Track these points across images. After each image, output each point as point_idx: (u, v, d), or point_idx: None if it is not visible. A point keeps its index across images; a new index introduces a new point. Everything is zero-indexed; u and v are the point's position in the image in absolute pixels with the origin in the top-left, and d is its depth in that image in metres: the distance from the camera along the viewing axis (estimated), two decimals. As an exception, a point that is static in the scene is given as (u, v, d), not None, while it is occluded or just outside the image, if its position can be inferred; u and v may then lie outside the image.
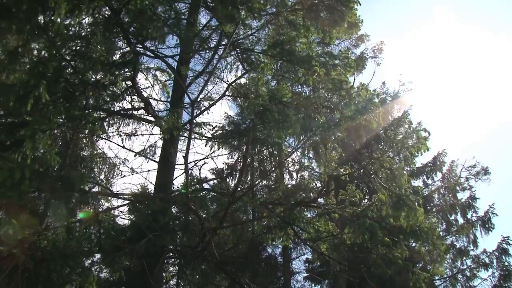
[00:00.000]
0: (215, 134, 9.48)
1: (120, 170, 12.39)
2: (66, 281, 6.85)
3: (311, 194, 9.39)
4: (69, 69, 8.40)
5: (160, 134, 9.33)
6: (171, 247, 7.85)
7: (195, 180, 9.81)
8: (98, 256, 8.54)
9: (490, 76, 38.98)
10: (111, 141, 10.46)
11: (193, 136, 9.37)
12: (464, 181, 18.59)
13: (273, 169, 11.32)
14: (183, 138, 9.70)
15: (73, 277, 6.94)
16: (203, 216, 7.89)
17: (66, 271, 6.83)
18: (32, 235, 6.81)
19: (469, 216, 17.86)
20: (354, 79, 9.73)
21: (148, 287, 9.17)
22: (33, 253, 6.58)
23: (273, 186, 12.02)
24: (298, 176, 12.06)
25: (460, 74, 37.89)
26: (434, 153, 19.10)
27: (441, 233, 17.24)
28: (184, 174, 7.95)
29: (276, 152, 10.26)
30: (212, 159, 10.33)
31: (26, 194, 7.13)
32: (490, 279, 16.24)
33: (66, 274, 6.70)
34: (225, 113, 15.31)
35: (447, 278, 17.11)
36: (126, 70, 8.67)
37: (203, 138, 9.61)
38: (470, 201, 18.00)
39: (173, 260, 11.53)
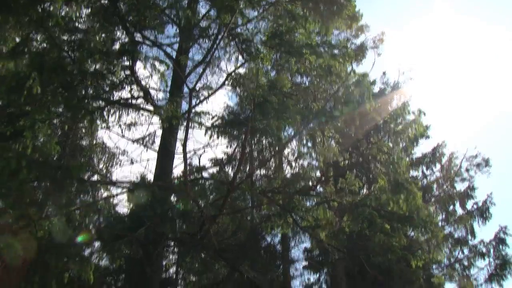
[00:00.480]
0: (214, 124, 9.51)
1: (119, 160, 12.48)
2: (64, 270, 6.91)
3: (310, 183, 9.45)
4: (68, 59, 8.43)
5: (160, 123, 9.37)
6: (171, 235, 7.91)
7: (194, 169, 9.86)
8: (97, 244, 8.64)
9: (490, 67, 38.90)
10: (110, 131, 10.52)
11: (192, 125, 9.41)
12: (464, 172, 18.66)
13: (271, 158, 11.36)
14: (182, 127, 9.74)
15: (71, 266, 7.00)
16: (202, 204, 7.94)
17: (63, 260, 6.89)
18: (28, 226, 6.86)
19: (467, 206, 17.94)
20: (352, 68, 9.75)
21: (148, 275, 9.27)
22: (30, 245, 6.63)
23: (272, 176, 12.08)
24: (297, 165, 12.11)
25: (460, 66, 37.81)
26: (434, 144, 19.15)
27: (439, 223, 17.37)
28: (183, 162, 7.99)
29: (275, 142, 10.29)
30: (211, 148, 10.39)
31: (24, 184, 7.18)
32: (487, 268, 16.38)
33: (63, 264, 6.76)
34: (225, 103, 15.34)
35: (445, 267, 17.24)
36: (125, 59, 8.69)
37: (202, 127, 9.64)
38: (468, 191, 18.08)
39: (172, 248, 11.64)
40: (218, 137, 9.52)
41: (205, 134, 9.29)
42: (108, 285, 12.15)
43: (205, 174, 9.77)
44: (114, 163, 12.37)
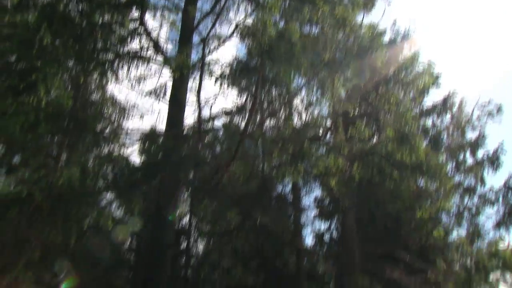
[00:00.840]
0: (224, 73, 9.50)
1: (130, 113, 12.58)
2: (83, 218, 7.19)
3: (320, 132, 9.54)
4: (76, 12, 8.39)
5: (170, 73, 9.38)
6: (185, 183, 8.10)
7: (206, 119, 9.95)
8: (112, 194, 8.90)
9: (503, 19, 37.71)
10: (121, 85, 10.58)
11: (204, 75, 9.42)
12: (475, 120, 18.58)
13: (282, 107, 11.38)
14: (192, 77, 9.77)
15: (90, 214, 7.28)
16: (216, 151, 8.06)
17: (83, 208, 7.16)
18: (48, 176, 7.10)
19: (477, 155, 17.95)
20: (363, 18, 9.61)
21: (162, 223, 9.58)
22: (50, 192, 6.89)
23: (282, 125, 12.13)
24: (307, 114, 12.14)
25: (472, 14, 36.71)
26: (445, 93, 18.94)
27: (450, 172, 17.46)
28: (197, 110, 8.05)
29: (284, 92, 10.29)
30: (222, 98, 10.43)
31: (42, 137, 7.37)
32: (495, 216, 16.56)
33: (83, 211, 7.02)
34: (234, 54, 15.22)
35: (453, 215, 17.45)
36: (134, 10, 8.63)
37: (213, 76, 9.65)
38: (479, 139, 18.04)
39: (185, 197, 11.90)
40: (228, 87, 9.54)
41: (215, 84, 9.30)
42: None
43: (217, 124, 9.87)
44: (125, 116, 12.47)
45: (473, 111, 18.65)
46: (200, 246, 23.78)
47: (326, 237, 19.44)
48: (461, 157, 18.33)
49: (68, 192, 6.65)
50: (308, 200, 17.61)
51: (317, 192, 16.02)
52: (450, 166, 17.80)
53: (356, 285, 8.24)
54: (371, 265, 9.76)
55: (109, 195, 8.50)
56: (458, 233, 16.33)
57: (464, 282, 8.86)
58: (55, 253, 7.27)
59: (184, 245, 21.52)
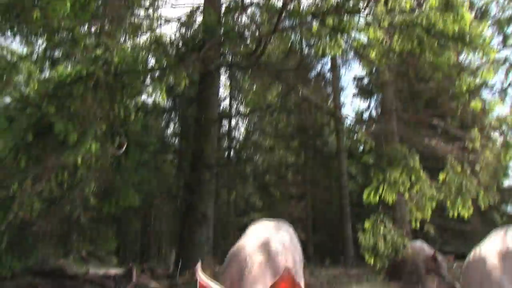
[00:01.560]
0: None
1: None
2: (139, 92, 7.77)
3: (361, 3, 9.38)
4: None
5: None
6: (228, 55, 8.38)
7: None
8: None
9: None
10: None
11: None
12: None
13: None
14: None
15: (145, 89, 7.83)
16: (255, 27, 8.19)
17: (138, 84, 7.70)
18: (104, 54, 7.55)
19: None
20: None
21: (206, 101, 10.15)
22: (108, 69, 7.40)
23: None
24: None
25: None
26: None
27: (496, 46, 16.91)
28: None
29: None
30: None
31: (92, 16, 7.71)
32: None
33: (139, 85, 7.56)
34: None
35: (497, 91, 17.30)
36: None
37: None
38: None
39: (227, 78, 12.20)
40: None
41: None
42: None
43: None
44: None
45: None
46: (242, 129, 24.86)
47: (365, 116, 19.92)
48: (509, 30, 17.63)
49: (123, 69, 7.14)
50: (347, 80, 17.79)
51: (356, 70, 16.10)
52: (496, 40, 17.24)
53: (394, 153, 8.69)
54: (410, 134, 10.14)
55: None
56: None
57: (501, 149, 9.15)
58: (117, 128, 8.00)
59: (225, 128, 22.58)
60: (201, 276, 2.66)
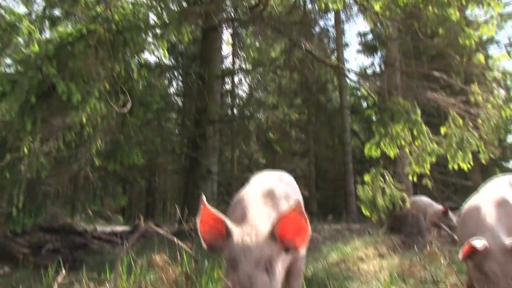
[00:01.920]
0: None
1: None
2: (141, 49, 7.75)
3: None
4: None
5: None
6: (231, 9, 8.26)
7: None
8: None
9: None
10: None
11: None
12: None
13: None
14: None
15: (147, 46, 7.80)
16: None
17: (140, 39, 7.66)
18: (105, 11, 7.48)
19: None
20: None
21: (209, 55, 10.08)
22: (109, 26, 7.36)
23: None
24: None
25: None
26: None
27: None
28: None
29: None
30: None
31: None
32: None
33: (141, 42, 7.54)
34: None
35: (504, 46, 17.08)
36: None
37: None
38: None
39: (231, 27, 11.99)
40: None
41: None
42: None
43: None
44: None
45: None
46: (245, 86, 24.82)
47: (369, 71, 19.79)
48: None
49: (124, 26, 7.11)
50: (350, 36, 17.57)
51: (360, 27, 15.87)
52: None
53: (397, 108, 8.70)
54: (412, 88, 10.09)
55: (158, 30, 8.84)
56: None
57: (503, 102, 9.14)
58: (120, 87, 8.03)
59: (229, 86, 22.53)
60: (206, 204, 2.74)
